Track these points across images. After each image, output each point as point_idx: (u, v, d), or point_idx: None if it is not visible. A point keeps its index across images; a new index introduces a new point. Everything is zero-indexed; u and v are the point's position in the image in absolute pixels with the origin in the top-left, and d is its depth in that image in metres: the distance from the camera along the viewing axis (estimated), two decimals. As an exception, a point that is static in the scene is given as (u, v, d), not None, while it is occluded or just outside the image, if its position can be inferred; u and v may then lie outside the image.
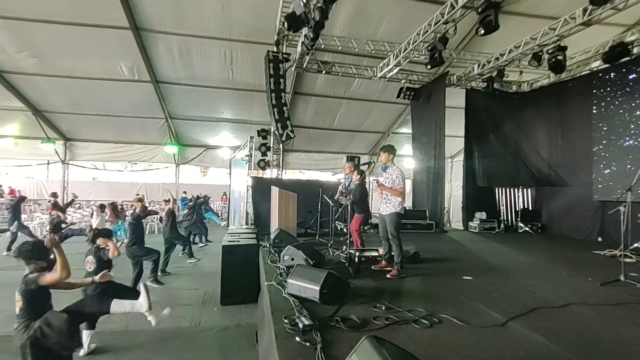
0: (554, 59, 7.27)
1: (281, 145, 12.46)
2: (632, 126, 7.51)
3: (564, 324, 2.98)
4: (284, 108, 7.91)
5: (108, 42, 9.01)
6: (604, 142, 8.08)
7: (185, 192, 15.52)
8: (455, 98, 10.09)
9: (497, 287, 4.05)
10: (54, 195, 10.94)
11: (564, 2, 6.91)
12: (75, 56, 9.55)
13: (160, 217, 10.88)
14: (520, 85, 10.34)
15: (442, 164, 9.55)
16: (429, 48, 7.17)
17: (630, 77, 7.57)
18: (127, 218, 8.99)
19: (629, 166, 7.46)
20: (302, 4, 5.79)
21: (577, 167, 8.89)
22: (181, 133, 14.09)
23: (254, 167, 11.00)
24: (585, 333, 2.80)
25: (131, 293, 3.83)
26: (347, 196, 5.36)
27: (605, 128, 8.08)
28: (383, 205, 4.58)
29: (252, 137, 10.53)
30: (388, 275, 4.31)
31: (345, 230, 6.00)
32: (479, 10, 5.67)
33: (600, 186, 8.09)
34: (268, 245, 5.57)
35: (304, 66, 9.08)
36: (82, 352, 3.74)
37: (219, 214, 15.89)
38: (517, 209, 10.22)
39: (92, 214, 10.17)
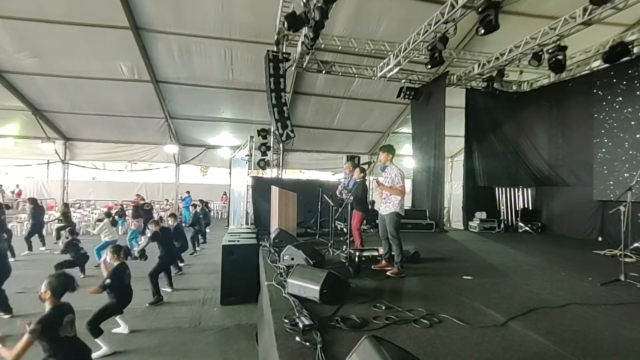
0: (554, 59, 7.26)
1: (281, 145, 12.45)
2: (632, 126, 7.50)
3: (564, 324, 2.98)
4: (284, 108, 7.91)
5: (108, 42, 9.01)
6: (604, 141, 8.07)
7: (188, 192, 15.51)
8: (455, 98, 10.08)
9: (497, 287, 4.05)
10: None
11: (564, 1, 6.90)
12: (75, 56, 9.55)
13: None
14: (521, 85, 10.33)
15: (442, 163, 9.55)
16: (429, 48, 7.16)
17: (631, 77, 7.56)
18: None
19: (629, 166, 7.46)
20: (302, 3, 5.79)
21: (577, 167, 8.89)
22: (181, 133, 14.09)
23: (254, 166, 10.99)
24: (585, 333, 2.80)
25: None
26: (348, 194, 5.35)
27: (605, 128, 8.07)
28: (383, 205, 4.58)
29: (252, 137, 10.51)
30: (388, 274, 4.31)
31: (345, 230, 5.99)
32: (479, 9, 5.66)
33: (600, 186, 8.08)
34: (268, 245, 5.57)
35: (304, 66, 9.07)
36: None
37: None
38: (517, 209, 10.22)
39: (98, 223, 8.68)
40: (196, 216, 10.29)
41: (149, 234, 7.26)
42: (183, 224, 9.54)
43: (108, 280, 4.11)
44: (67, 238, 6.86)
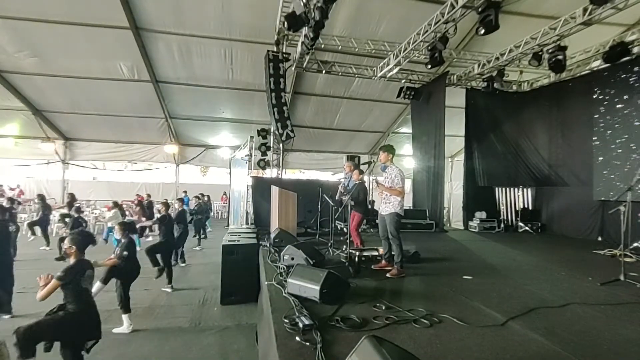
0: (554, 59, 7.27)
1: (281, 145, 12.44)
2: (632, 125, 7.50)
3: (564, 324, 2.98)
4: (284, 108, 7.91)
5: (108, 42, 9.01)
6: (604, 141, 8.06)
7: (185, 192, 15.49)
8: (456, 98, 10.08)
9: (497, 287, 4.06)
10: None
11: (564, 1, 6.91)
12: (75, 56, 9.55)
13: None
14: (521, 84, 10.33)
15: (442, 163, 9.55)
16: (429, 48, 7.16)
17: (631, 76, 7.56)
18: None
19: (628, 166, 7.46)
20: (302, 3, 5.79)
21: (577, 167, 8.88)
22: (181, 133, 14.09)
23: (254, 166, 10.99)
24: (585, 333, 2.80)
25: None
26: (347, 195, 5.36)
27: (605, 128, 8.06)
28: (383, 205, 4.58)
29: (252, 137, 10.52)
30: (388, 275, 4.31)
31: (345, 230, 5.99)
32: (479, 10, 5.66)
33: (600, 186, 8.08)
34: (268, 245, 5.57)
35: (304, 66, 9.07)
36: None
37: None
38: (517, 209, 10.21)
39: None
40: (200, 207, 10.57)
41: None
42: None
43: (126, 252, 4.59)
44: (74, 214, 7.38)
